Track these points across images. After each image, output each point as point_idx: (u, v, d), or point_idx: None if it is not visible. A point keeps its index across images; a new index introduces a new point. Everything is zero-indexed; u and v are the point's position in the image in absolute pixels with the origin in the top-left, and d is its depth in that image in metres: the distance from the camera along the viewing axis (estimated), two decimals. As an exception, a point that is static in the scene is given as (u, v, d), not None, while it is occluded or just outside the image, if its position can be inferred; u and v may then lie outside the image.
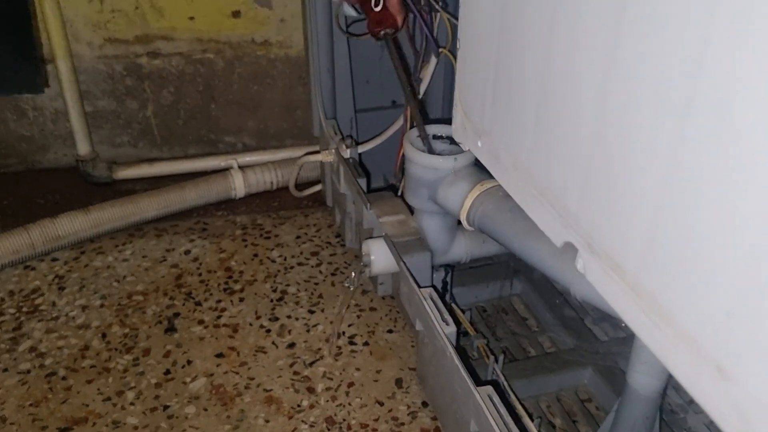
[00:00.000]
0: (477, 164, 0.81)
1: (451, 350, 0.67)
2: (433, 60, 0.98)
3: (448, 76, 1.10)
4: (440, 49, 0.97)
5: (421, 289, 0.75)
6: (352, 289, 0.87)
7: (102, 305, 0.99)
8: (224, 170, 1.24)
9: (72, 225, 1.09)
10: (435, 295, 0.74)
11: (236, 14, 1.23)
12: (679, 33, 0.35)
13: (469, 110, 0.60)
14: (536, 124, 0.48)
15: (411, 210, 0.88)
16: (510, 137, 0.52)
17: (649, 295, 0.38)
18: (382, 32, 0.86)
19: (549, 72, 0.46)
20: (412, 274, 0.77)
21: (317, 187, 1.21)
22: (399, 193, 0.96)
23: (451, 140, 0.83)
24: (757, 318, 0.31)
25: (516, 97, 0.51)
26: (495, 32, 0.52)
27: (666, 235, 0.37)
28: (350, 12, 1.01)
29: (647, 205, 0.38)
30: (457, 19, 0.95)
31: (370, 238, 0.88)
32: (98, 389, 0.85)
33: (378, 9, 0.86)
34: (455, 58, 0.97)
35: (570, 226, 0.46)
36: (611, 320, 0.93)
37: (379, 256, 0.85)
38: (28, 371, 0.87)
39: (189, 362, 0.90)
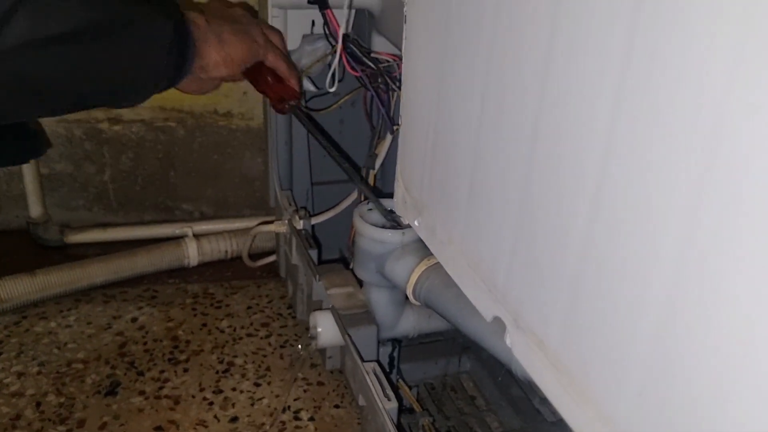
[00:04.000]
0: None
1: (391, 427, 0.66)
2: (389, 137, 1.00)
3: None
4: (395, 126, 1.00)
5: (365, 363, 0.74)
6: (301, 358, 0.86)
7: (39, 372, 0.96)
8: (179, 238, 1.23)
9: (16, 288, 1.06)
10: (378, 370, 0.73)
11: (200, 85, 1.25)
12: (591, 118, 0.36)
13: (408, 185, 0.61)
14: (468, 201, 0.49)
15: (360, 283, 0.88)
16: (445, 212, 0.54)
17: (569, 371, 0.39)
18: (287, 105, 0.86)
19: (479, 152, 0.48)
20: (356, 348, 0.77)
21: (271, 258, 1.21)
22: (351, 267, 0.96)
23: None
24: (667, 396, 0.32)
25: (450, 174, 0.52)
26: (432, 111, 0.54)
27: (582, 312, 0.37)
28: (309, 87, 1.03)
29: (565, 282, 0.39)
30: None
31: (318, 310, 0.87)
32: (25, 462, 0.81)
33: (273, 84, 0.85)
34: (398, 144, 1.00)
35: (498, 302, 0.46)
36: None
37: (326, 329, 0.84)
38: (-47, 441, 0.83)
39: (125, 435, 0.86)
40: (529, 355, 0.43)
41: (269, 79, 0.85)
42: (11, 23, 0.50)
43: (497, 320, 0.47)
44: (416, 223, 0.61)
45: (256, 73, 0.84)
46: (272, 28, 0.91)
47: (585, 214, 0.36)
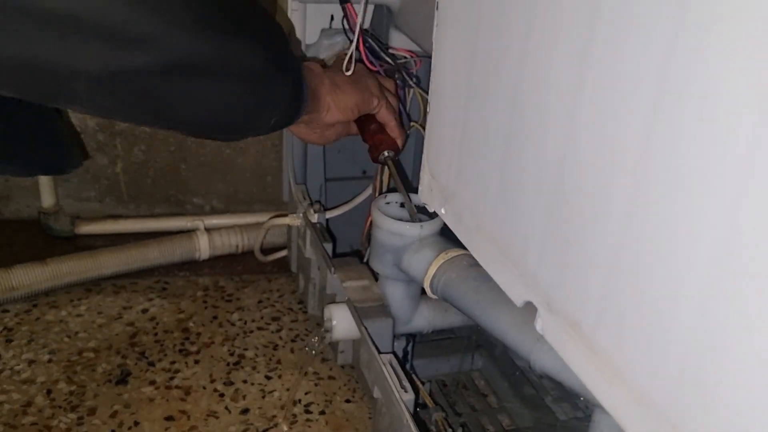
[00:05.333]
0: (443, 233, 0.82)
1: (408, 418, 0.66)
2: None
3: (417, 149, 1.13)
4: (411, 123, 1.00)
5: (382, 355, 0.74)
6: (313, 353, 0.85)
7: (50, 360, 0.96)
8: (190, 231, 1.23)
9: (27, 277, 1.06)
10: (395, 362, 0.73)
11: (214, 79, 1.26)
12: (633, 99, 0.36)
13: (435, 172, 0.61)
14: (499, 185, 0.49)
15: (375, 276, 0.88)
16: (474, 198, 0.54)
17: (605, 353, 0.39)
18: (384, 155, 0.86)
19: (512, 133, 0.48)
20: (372, 340, 0.76)
21: (282, 253, 1.20)
22: (364, 260, 0.96)
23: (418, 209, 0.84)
24: (709, 375, 0.31)
25: (480, 158, 0.52)
26: (463, 93, 0.54)
27: (620, 291, 0.37)
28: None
29: (603, 262, 0.39)
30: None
31: (333, 303, 0.87)
32: (37, 448, 0.81)
33: (375, 132, 0.86)
34: (425, 132, 1.00)
35: (530, 286, 0.46)
36: (571, 400, 0.93)
37: (341, 322, 0.84)
38: (-36, 425, 0.83)
39: (136, 424, 0.86)
40: (562, 338, 0.43)
41: (372, 126, 0.86)
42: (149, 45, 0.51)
43: (528, 305, 0.47)
44: (443, 210, 0.61)
45: (365, 122, 0.86)
46: (387, 78, 0.93)
47: (625, 192, 0.36)
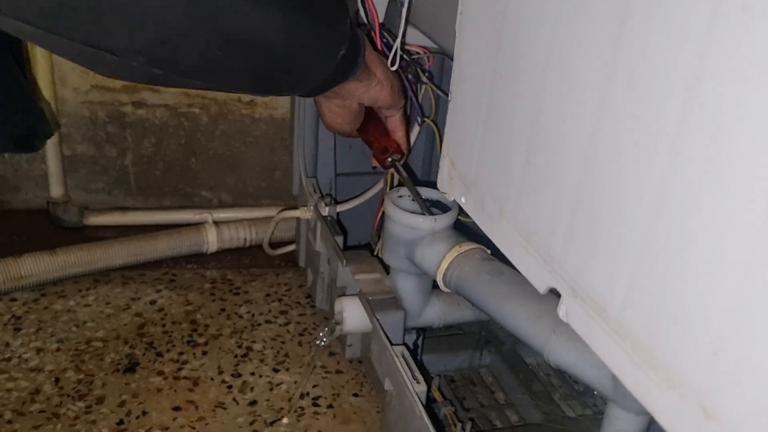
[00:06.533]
0: (455, 228, 0.81)
1: (420, 409, 0.66)
2: (416, 128, 1.00)
3: (429, 145, 1.13)
4: (424, 119, 1.00)
5: (393, 347, 0.73)
6: (325, 342, 0.85)
7: (58, 349, 0.95)
8: (198, 224, 1.23)
9: (36, 266, 1.06)
10: (407, 353, 0.73)
11: (225, 72, 1.26)
12: (667, 86, 0.36)
13: (456, 160, 0.61)
14: (523, 171, 0.49)
15: (387, 270, 0.88)
16: (497, 185, 0.53)
17: (633, 336, 0.38)
18: (389, 159, 0.85)
19: (540, 117, 0.48)
20: (384, 332, 0.76)
21: (291, 247, 1.20)
22: (375, 254, 0.95)
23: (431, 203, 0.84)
24: (744, 355, 0.31)
25: (505, 144, 0.52)
26: (487, 80, 0.54)
27: (652, 272, 0.37)
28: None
29: (634, 243, 0.38)
30: (442, 91, 0.99)
31: (343, 295, 0.87)
32: (45, 435, 0.81)
33: (383, 135, 0.85)
34: (437, 128, 1.00)
35: (554, 271, 0.46)
36: (580, 398, 0.92)
37: (352, 314, 0.84)
38: (-28, 411, 0.83)
39: (144, 413, 0.86)
40: (587, 324, 0.43)
41: (380, 128, 0.85)
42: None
43: (552, 291, 0.46)
44: (463, 199, 0.61)
45: (373, 125, 0.85)
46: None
47: (659, 172, 0.36)
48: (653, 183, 0.37)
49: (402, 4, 0.95)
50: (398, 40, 0.84)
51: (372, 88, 0.77)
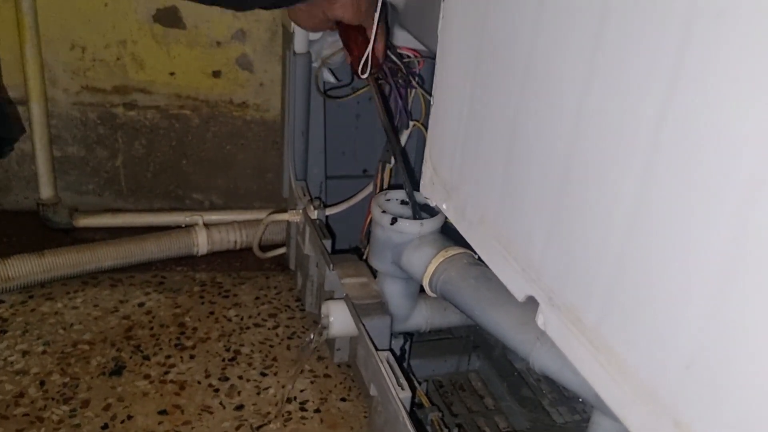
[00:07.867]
0: (442, 232, 0.81)
1: (405, 416, 0.65)
2: (405, 132, 1.00)
3: (419, 148, 1.12)
4: (412, 122, 0.99)
5: (379, 352, 0.73)
6: (312, 345, 0.85)
7: (44, 352, 0.95)
8: (188, 226, 1.23)
9: (23, 267, 1.05)
10: (392, 359, 0.72)
11: (217, 74, 1.25)
12: (642, 92, 0.36)
13: (438, 166, 0.60)
14: (503, 179, 0.49)
15: (374, 274, 0.87)
16: (477, 191, 0.53)
17: (608, 348, 0.38)
18: (370, 71, 0.85)
19: (519, 127, 0.47)
20: (370, 337, 0.76)
21: (281, 250, 1.20)
22: (363, 258, 0.95)
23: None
24: (717, 370, 0.31)
25: (485, 152, 0.52)
26: (468, 87, 0.53)
27: (627, 285, 0.37)
28: (329, 78, 1.03)
29: (609, 254, 0.38)
30: (431, 95, 0.98)
31: (330, 299, 0.86)
32: (28, 439, 0.80)
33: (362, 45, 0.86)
34: (426, 131, 1.00)
35: (532, 280, 0.45)
36: (568, 403, 0.92)
37: (338, 318, 0.83)
38: (-45, 415, 0.82)
39: (129, 417, 0.85)
40: (564, 333, 0.42)
41: (360, 39, 0.86)
42: None
43: (530, 299, 0.46)
44: (444, 205, 0.60)
45: (353, 32, 0.86)
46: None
47: (634, 184, 0.36)
48: (629, 197, 0.36)
49: (393, 8, 0.95)
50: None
51: (336, 5, 0.81)
